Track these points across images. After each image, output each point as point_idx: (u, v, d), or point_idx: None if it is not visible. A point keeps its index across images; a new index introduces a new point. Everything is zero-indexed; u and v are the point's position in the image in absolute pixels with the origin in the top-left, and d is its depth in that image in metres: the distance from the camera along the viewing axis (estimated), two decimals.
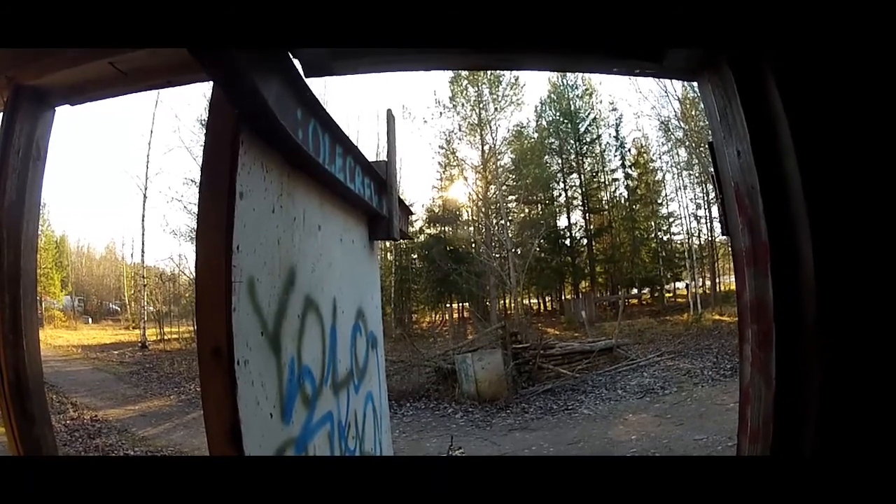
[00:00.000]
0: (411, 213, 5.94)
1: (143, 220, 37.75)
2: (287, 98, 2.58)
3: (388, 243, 45.91)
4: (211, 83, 2.34)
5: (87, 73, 2.91)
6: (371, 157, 4.30)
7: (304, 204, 3.10)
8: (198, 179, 2.55)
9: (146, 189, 37.29)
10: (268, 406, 2.50)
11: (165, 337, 40.30)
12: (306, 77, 2.72)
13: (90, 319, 64.24)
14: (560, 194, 53.04)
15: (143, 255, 39.18)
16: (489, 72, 43.52)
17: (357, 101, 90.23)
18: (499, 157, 46.48)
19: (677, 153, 46.89)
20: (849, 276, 1.91)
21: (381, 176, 4.40)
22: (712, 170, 2.71)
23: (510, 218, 48.41)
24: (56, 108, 3.18)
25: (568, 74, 50.50)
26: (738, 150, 2.29)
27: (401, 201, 4.92)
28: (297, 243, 2.97)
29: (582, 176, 52.79)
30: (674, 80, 34.94)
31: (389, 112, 4.65)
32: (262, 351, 2.50)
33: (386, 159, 4.51)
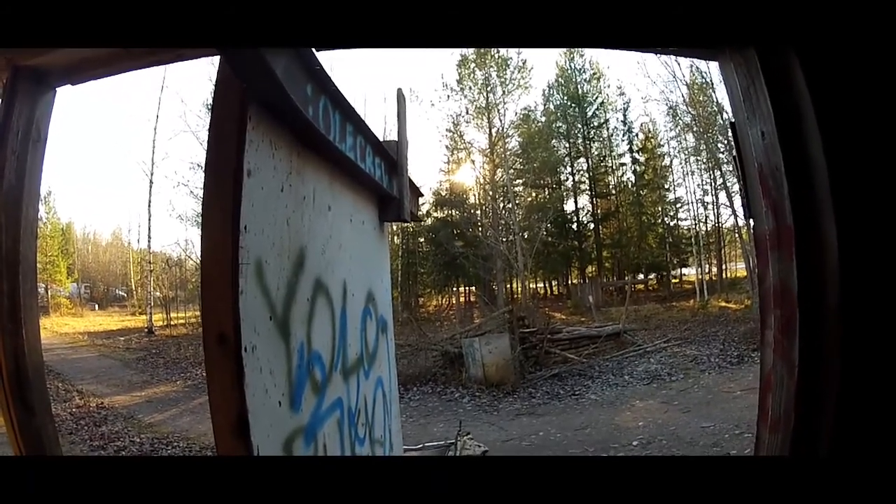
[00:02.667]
0: (421, 195, 5.88)
1: (149, 206, 37.91)
2: (296, 71, 2.49)
3: (394, 226, 46.11)
4: (217, 59, 2.28)
5: (88, 51, 2.82)
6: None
7: (314, 183, 3.01)
8: (203, 162, 2.47)
9: (152, 174, 37.40)
10: (276, 394, 2.41)
11: (172, 322, 40.60)
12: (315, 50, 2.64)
13: (96, 306, 64.72)
14: (567, 178, 53.28)
15: (149, 241, 39.39)
16: (497, 55, 43.58)
17: (364, 84, 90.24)
18: (506, 140, 46.55)
19: (685, 138, 46.92)
20: (875, 260, 1.85)
21: (392, 156, 4.31)
22: (734, 151, 2.63)
23: (517, 202, 48.53)
24: (56, 89, 3.10)
25: (576, 58, 50.55)
26: (762, 131, 2.21)
27: (411, 182, 4.85)
28: (307, 224, 2.88)
29: (589, 160, 52.96)
30: (683, 65, 34.96)
31: (400, 92, 4.57)
32: (270, 336, 2.41)
33: (396, 139, 4.43)
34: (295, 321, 2.65)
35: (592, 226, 53.28)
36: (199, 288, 2.29)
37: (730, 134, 2.76)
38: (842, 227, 1.88)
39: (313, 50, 2.60)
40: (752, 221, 2.46)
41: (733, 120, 2.54)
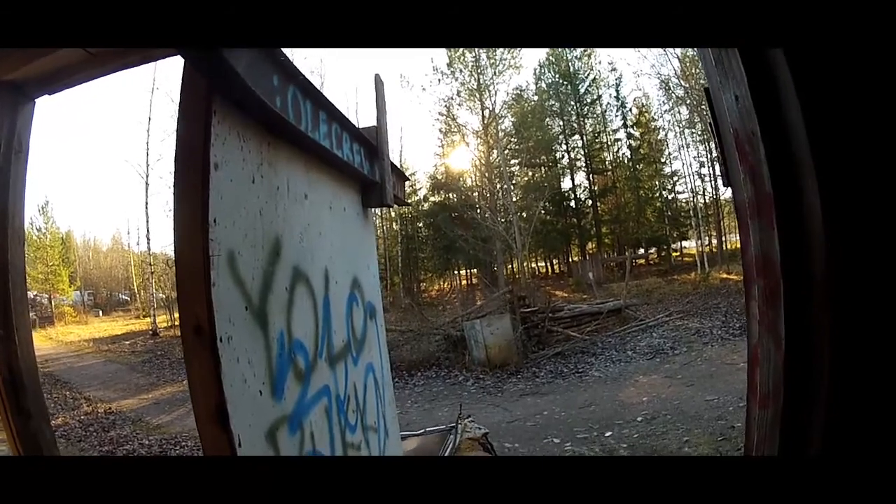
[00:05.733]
0: (406, 179, 5.86)
1: (146, 208, 37.85)
2: (260, 65, 2.49)
3: (392, 212, 46.34)
4: None
5: (60, 60, 2.89)
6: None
7: (288, 173, 3.01)
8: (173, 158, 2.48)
9: (147, 176, 37.33)
10: (256, 383, 2.42)
11: (176, 323, 40.46)
12: None
13: (100, 312, 64.75)
14: (563, 156, 53.47)
15: (148, 243, 39.16)
16: None
17: (356, 73, 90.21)
18: (499, 121, 46.57)
19: (679, 111, 46.99)
20: (861, 225, 1.79)
21: (372, 142, 4.30)
22: (710, 118, 2.59)
23: (514, 182, 48.67)
24: (36, 100, 3.16)
25: None
26: (735, 95, 2.16)
27: (394, 166, 4.82)
28: (282, 213, 2.88)
29: (584, 137, 53.08)
30: None
31: (377, 77, 4.55)
32: (246, 326, 2.42)
33: (376, 124, 4.42)
34: (273, 311, 2.65)
35: (590, 202, 53.40)
36: (175, 281, 2.30)
37: (705, 100, 2.71)
38: (824, 192, 1.81)
39: None
40: (731, 190, 2.43)
41: (707, 85, 2.50)
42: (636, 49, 44.73)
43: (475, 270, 51.53)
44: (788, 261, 1.96)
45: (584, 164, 53.57)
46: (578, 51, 51.72)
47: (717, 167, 44.43)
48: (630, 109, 53.26)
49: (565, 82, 52.20)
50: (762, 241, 2.10)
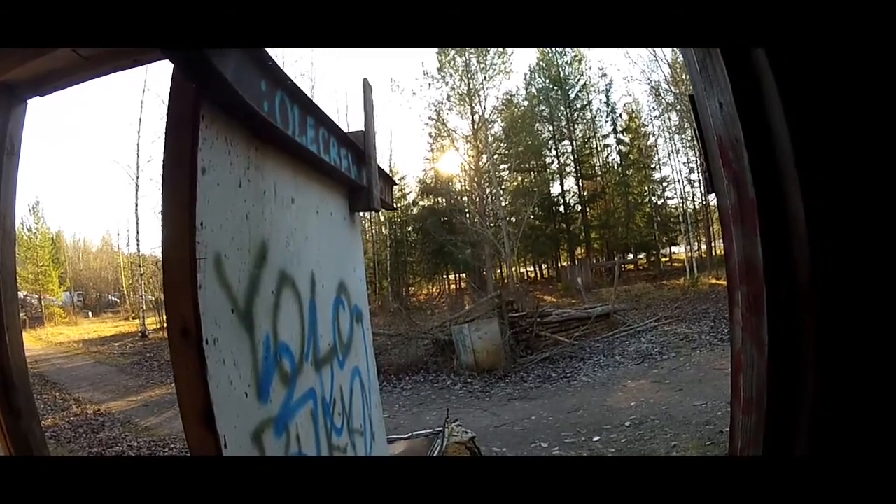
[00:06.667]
0: (394, 183, 5.88)
1: (136, 209, 37.63)
2: (248, 70, 2.52)
3: (381, 216, 46.25)
4: None
5: (52, 62, 2.90)
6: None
7: (275, 177, 3.03)
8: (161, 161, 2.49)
9: (138, 178, 37.18)
10: (242, 385, 2.44)
11: (165, 325, 40.02)
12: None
13: (90, 313, 64.25)
14: (552, 161, 53.46)
15: (138, 244, 38.92)
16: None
17: (346, 76, 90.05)
18: (489, 126, 46.53)
19: (668, 117, 46.99)
20: (844, 230, 1.80)
21: (359, 146, 4.33)
22: (695, 125, 2.60)
23: (503, 186, 48.63)
24: (27, 101, 3.17)
25: None
26: (719, 102, 2.18)
27: (381, 171, 4.85)
28: (269, 217, 2.90)
29: (574, 142, 53.14)
30: None
31: (365, 81, 4.57)
32: (233, 329, 2.44)
33: (364, 129, 4.43)
34: (259, 314, 2.67)
35: (579, 207, 53.45)
36: (162, 283, 2.31)
37: (690, 107, 2.73)
38: (808, 198, 1.82)
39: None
40: (715, 196, 2.44)
41: (693, 93, 2.51)
42: (625, 51, 44.83)
43: (464, 275, 51.45)
44: (771, 266, 1.97)
45: (573, 170, 53.63)
46: (569, 56, 51.86)
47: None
48: (620, 115, 53.41)
49: (555, 87, 52.20)
50: (745, 247, 2.11)
